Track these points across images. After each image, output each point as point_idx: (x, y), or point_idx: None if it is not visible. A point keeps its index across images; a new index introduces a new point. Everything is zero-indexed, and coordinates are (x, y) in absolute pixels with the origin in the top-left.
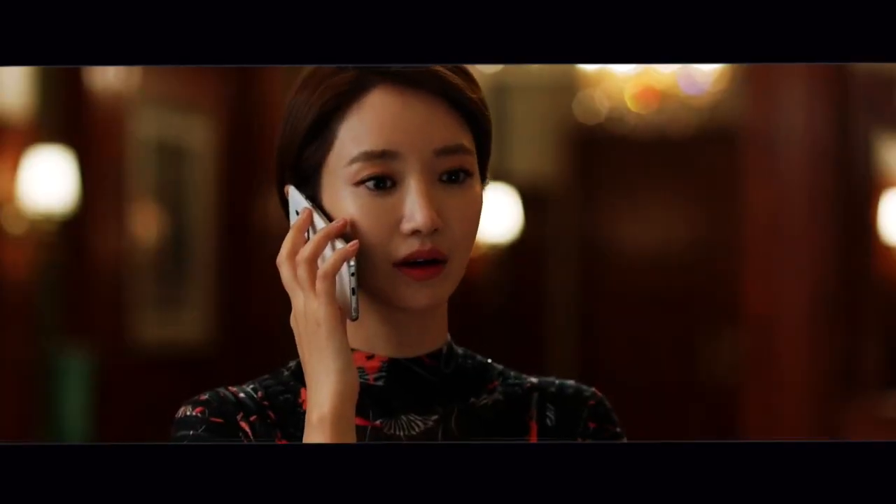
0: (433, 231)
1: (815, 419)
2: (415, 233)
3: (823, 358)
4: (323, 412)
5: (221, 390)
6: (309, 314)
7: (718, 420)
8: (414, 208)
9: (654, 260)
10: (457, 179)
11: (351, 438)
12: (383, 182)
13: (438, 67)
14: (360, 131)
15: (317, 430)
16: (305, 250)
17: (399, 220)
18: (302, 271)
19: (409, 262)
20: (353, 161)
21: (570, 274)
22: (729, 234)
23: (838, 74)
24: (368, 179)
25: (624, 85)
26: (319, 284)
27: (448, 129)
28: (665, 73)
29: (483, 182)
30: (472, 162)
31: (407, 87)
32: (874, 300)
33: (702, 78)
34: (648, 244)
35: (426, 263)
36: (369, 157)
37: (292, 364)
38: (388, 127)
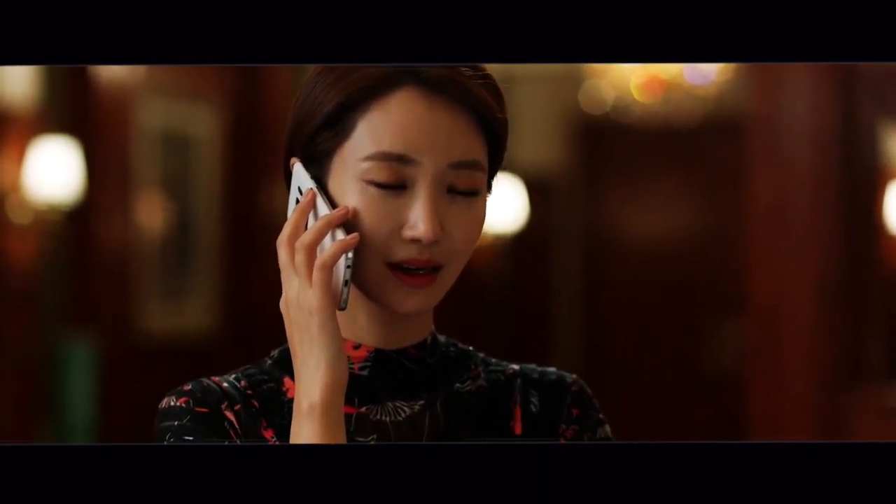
0: (433, 243)
1: (820, 409)
2: (415, 241)
3: (828, 348)
4: (313, 401)
5: (205, 381)
6: (303, 302)
7: (723, 410)
8: (419, 217)
9: (658, 250)
10: (464, 193)
11: (340, 427)
12: (393, 184)
13: (468, 78)
14: (381, 129)
15: (306, 419)
16: (306, 236)
17: (401, 224)
18: (300, 257)
19: (404, 268)
20: (368, 158)
21: (574, 264)
22: (734, 224)
23: (843, 66)
24: (379, 180)
25: (629, 75)
26: (317, 274)
27: (467, 144)
28: (670, 64)
29: (489, 188)
30: (482, 179)
31: (434, 92)
32: (879, 290)
33: (707, 68)
34: (653, 234)
35: (420, 271)
36: (386, 157)
37: (275, 353)
38: (410, 131)
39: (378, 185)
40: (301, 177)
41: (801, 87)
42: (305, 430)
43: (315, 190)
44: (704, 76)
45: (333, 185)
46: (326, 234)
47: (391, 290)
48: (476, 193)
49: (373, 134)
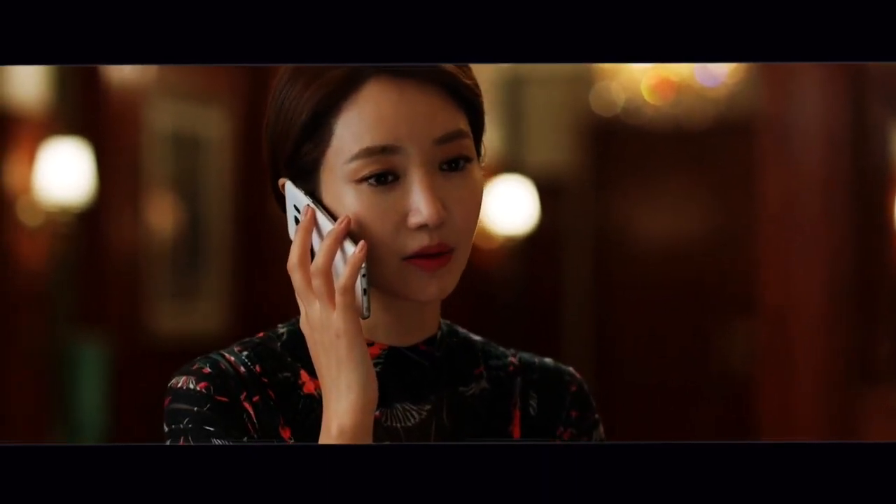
0: (440, 224)
1: (831, 410)
2: (422, 227)
3: (839, 349)
4: (343, 425)
5: (221, 361)
6: (327, 325)
7: (733, 411)
8: (420, 202)
9: (669, 251)
10: (457, 167)
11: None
12: (385, 177)
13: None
14: (359, 127)
15: (336, 442)
16: (318, 259)
17: (405, 215)
18: (318, 282)
19: (419, 256)
20: (353, 158)
21: (585, 265)
22: (744, 225)
23: (854, 66)
24: (370, 177)
25: (640, 76)
26: (340, 298)
27: (446, 116)
28: (681, 65)
29: (479, 156)
30: (470, 146)
31: (401, 77)
32: (889, 291)
33: (718, 70)
34: (664, 235)
35: (435, 255)
36: (371, 153)
37: (283, 332)
38: (387, 120)
39: (371, 182)
40: (295, 195)
41: (811, 88)
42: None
43: (312, 206)
44: (715, 78)
45: (328, 196)
46: (336, 251)
47: (412, 280)
48: (468, 162)
49: (352, 134)
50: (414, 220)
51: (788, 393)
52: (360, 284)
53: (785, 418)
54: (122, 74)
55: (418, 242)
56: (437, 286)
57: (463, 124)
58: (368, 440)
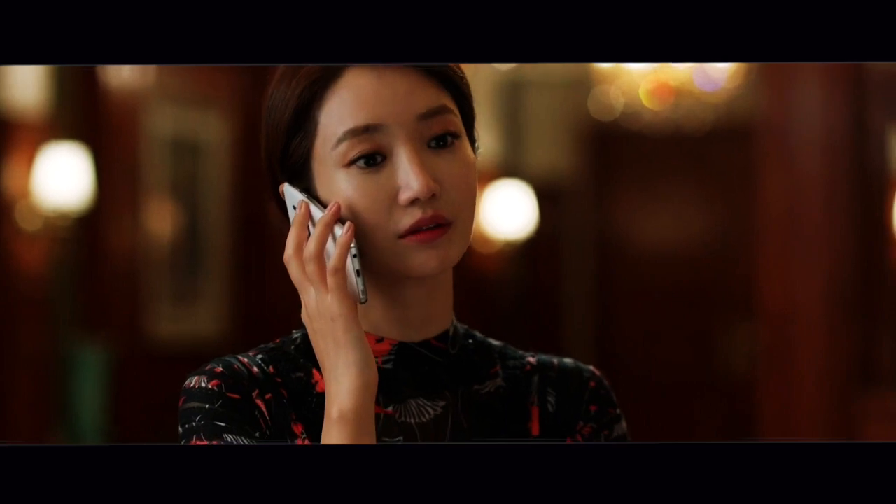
0: (431, 196)
1: (832, 414)
2: (414, 201)
3: (839, 352)
4: (343, 407)
5: (234, 362)
6: (323, 310)
7: (735, 415)
8: (408, 177)
9: (669, 255)
10: (445, 143)
11: (370, 432)
12: (373, 158)
13: None
14: (341, 112)
15: (336, 426)
16: (310, 246)
17: (395, 193)
18: (311, 267)
19: (414, 231)
20: (339, 142)
21: (585, 269)
22: (744, 229)
23: (853, 69)
24: (358, 158)
25: (639, 81)
26: (331, 280)
27: (428, 94)
28: (680, 70)
29: (473, 144)
30: (457, 123)
31: (378, 63)
32: (890, 294)
33: (717, 74)
34: (664, 240)
35: (431, 228)
36: (355, 133)
37: (297, 337)
38: (368, 101)
39: (359, 165)
40: (292, 195)
41: (810, 91)
42: (335, 436)
43: (306, 199)
44: (714, 82)
45: (321, 186)
46: (327, 236)
47: (411, 256)
48: (457, 138)
49: (335, 119)
50: (404, 195)
51: (789, 396)
52: (352, 266)
53: (785, 422)
54: (121, 78)
55: (411, 217)
56: (437, 257)
57: (446, 101)
58: (370, 423)
